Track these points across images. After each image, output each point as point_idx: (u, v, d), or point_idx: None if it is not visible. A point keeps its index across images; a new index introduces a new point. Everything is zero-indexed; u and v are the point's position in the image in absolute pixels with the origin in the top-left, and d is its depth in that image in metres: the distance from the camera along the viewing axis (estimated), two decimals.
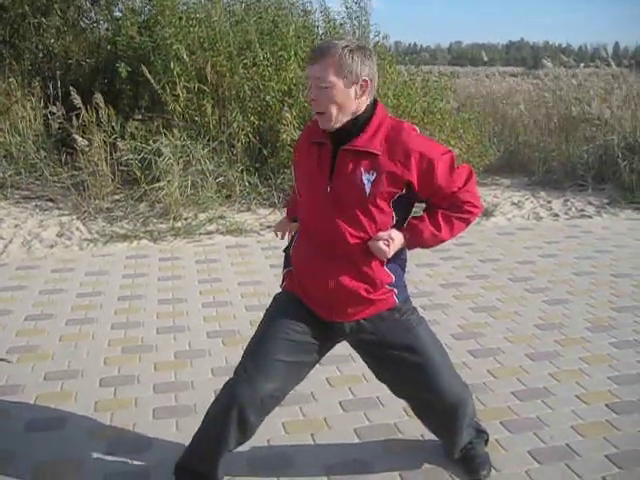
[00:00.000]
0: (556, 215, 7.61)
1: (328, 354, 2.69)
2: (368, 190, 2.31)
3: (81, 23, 9.39)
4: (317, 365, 2.67)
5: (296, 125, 7.35)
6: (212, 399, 3.36)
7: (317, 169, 2.40)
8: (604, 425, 3.23)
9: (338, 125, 2.33)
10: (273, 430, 3.11)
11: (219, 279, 5.29)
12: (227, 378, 3.54)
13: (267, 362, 2.47)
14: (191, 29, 8.19)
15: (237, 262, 5.73)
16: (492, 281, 5.28)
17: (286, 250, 2.68)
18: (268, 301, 4.68)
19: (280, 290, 2.70)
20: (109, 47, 8.96)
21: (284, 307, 2.61)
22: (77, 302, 4.80)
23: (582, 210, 7.75)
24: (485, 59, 20.03)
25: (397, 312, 2.53)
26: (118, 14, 9.21)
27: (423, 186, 2.35)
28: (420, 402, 2.73)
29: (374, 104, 2.40)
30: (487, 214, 7.38)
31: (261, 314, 4.45)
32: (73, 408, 3.34)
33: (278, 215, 7.02)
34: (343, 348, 2.79)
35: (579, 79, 11.98)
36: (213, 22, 8.16)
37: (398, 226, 2.43)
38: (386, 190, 2.31)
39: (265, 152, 7.76)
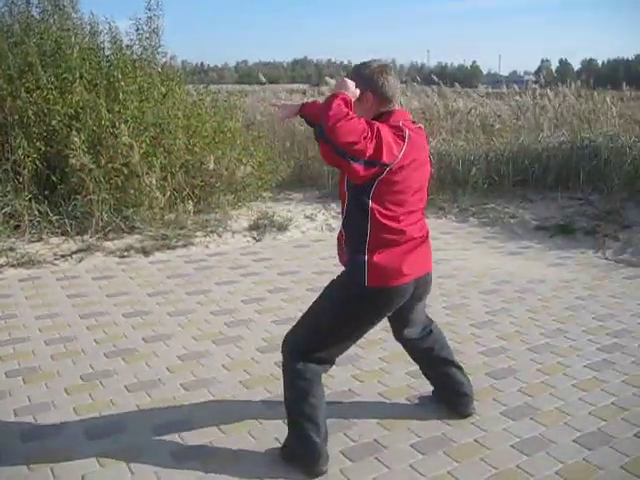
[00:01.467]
0: None
1: None
2: None
3: None
4: None
5: (84, 149, 7.11)
6: (17, 442, 3.23)
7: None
8: (406, 417, 3.47)
9: None
10: None
11: (14, 315, 5.00)
12: (32, 417, 3.45)
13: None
14: None
15: (32, 295, 5.46)
16: (292, 293, 5.46)
17: None
18: (69, 333, 4.58)
19: None
20: None
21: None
22: None
23: None
24: (264, 80, 20.49)
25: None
26: None
27: None
28: None
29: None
30: (282, 228, 7.60)
31: (62, 347, 4.36)
32: None
33: (72, 243, 6.79)
34: None
35: None
36: None
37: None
38: None
39: (54, 179, 7.46)
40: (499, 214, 8.25)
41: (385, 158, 2.66)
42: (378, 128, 2.65)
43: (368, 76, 2.87)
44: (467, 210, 8.50)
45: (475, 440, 3.25)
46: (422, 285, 3.11)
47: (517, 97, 12.82)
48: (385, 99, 2.88)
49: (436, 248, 6.89)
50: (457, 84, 14.93)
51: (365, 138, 2.58)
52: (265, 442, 3.23)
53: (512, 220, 8.05)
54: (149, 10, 8.48)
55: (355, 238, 2.92)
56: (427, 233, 3.10)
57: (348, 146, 2.57)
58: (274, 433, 3.27)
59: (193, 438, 3.27)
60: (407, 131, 2.80)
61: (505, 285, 5.71)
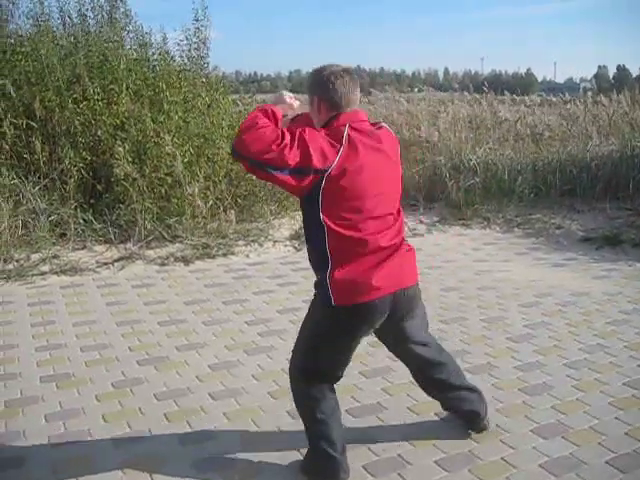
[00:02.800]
0: None
1: None
2: None
3: None
4: None
5: (129, 159, 7.24)
6: (46, 446, 3.28)
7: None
8: (433, 433, 3.40)
9: None
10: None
11: (53, 321, 5.10)
12: (61, 423, 3.50)
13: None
14: (17, 63, 7.91)
15: (72, 302, 5.56)
16: None
17: None
18: (104, 340, 4.64)
19: None
20: None
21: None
22: None
23: (414, 229, 8.12)
24: None
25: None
26: None
27: None
28: None
29: None
30: None
31: (96, 354, 4.43)
32: None
33: (114, 251, 6.90)
34: None
35: (406, 105, 12.60)
36: (40, 56, 7.92)
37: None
38: None
39: (99, 188, 7.61)
40: (545, 225, 8.09)
41: (316, 164, 2.57)
42: (301, 134, 2.58)
43: (317, 82, 2.80)
44: (512, 220, 8.36)
45: (502, 458, 3.16)
46: (402, 302, 2.89)
47: (568, 105, 12.60)
48: (334, 104, 2.76)
49: (478, 259, 6.90)
50: (507, 93, 14.71)
51: (279, 145, 2.53)
52: (288, 455, 3.20)
53: (558, 231, 7.88)
54: (196, 21, 8.61)
55: (315, 254, 2.83)
56: (401, 242, 2.88)
57: (259, 155, 2.55)
58: (297, 445, 3.24)
59: (216, 448, 3.27)
60: (347, 134, 2.67)
61: (546, 298, 5.58)
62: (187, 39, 8.76)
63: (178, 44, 8.77)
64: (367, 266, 2.73)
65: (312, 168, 2.58)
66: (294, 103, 2.88)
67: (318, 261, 2.81)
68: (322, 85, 2.78)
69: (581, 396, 3.79)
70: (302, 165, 2.56)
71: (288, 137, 2.57)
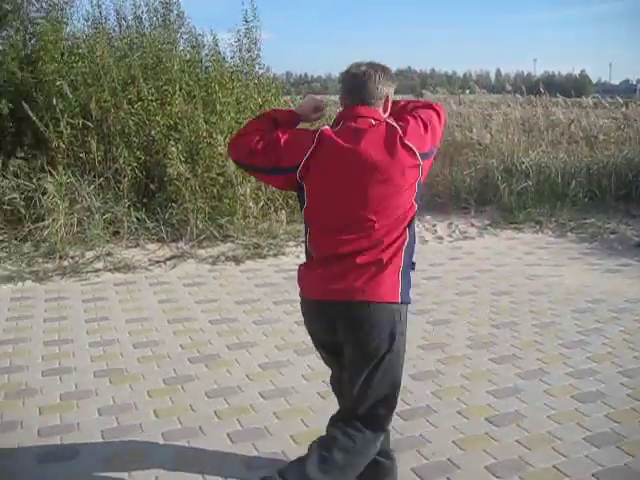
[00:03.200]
0: (440, 238, 7.89)
1: None
2: None
3: None
4: None
5: (182, 159, 7.35)
6: (99, 439, 3.36)
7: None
8: (483, 438, 3.38)
9: None
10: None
11: (106, 317, 5.20)
12: (114, 417, 3.57)
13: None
14: (74, 64, 8.09)
15: (125, 299, 5.66)
16: None
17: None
18: (156, 337, 4.71)
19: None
20: None
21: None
22: None
23: (465, 232, 8.07)
24: None
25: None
26: None
27: None
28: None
29: None
30: None
31: (148, 350, 4.50)
32: None
33: (167, 250, 7.00)
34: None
35: (459, 106, 12.49)
36: (96, 57, 8.08)
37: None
38: None
39: (152, 187, 7.73)
40: (599, 229, 7.95)
41: (284, 163, 2.52)
42: (276, 135, 2.54)
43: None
44: (565, 225, 8.23)
45: (554, 466, 3.12)
46: (336, 317, 2.55)
47: (624, 108, 12.35)
48: (342, 99, 2.65)
49: (530, 263, 6.81)
50: (559, 95, 14.46)
51: (256, 149, 2.54)
52: None
53: (612, 236, 7.74)
54: (246, 22, 8.68)
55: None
56: (373, 256, 2.48)
57: (245, 159, 2.61)
58: None
59: (266, 447, 3.29)
60: (321, 133, 2.50)
61: (600, 304, 5.48)
62: (238, 40, 8.86)
63: (230, 45, 8.88)
64: (311, 264, 2.66)
65: (281, 166, 2.53)
66: (320, 105, 2.76)
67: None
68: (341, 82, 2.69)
69: (637, 405, 3.72)
70: (275, 165, 2.54)
71: (262, 141, 2.55)
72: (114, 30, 9.21)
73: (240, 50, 8.89)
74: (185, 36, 9.19)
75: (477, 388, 3.93)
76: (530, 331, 4.88)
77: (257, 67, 8.97)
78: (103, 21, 9.00)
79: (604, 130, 11.08)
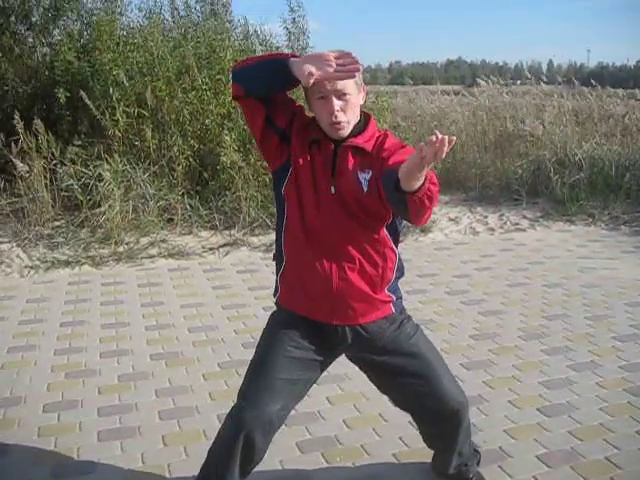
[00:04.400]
0: (492, 229, 7.85)
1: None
2: (365, 188, 2.33)
3: (16, 49, 9.31)
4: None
5: (235, 148, 7.44)
6: (156, 419, 3.46)
7: (320, 169, 2.39)
8: (535, 427, 3.39)
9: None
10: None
11: (162, 302, 5.32)
12: (170, 399, 3.67)
13: (270, 382, 2.41)
14: (130, 54, 8.24)
15: (179, 285, 5.78)
16: (429, 295, 5.43)
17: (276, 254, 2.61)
18: (210, 322, 4.79)
19: (275, 306, 2.66)
20: (47, 72, 8.92)
21: (282, 324, 2.54)
22: (19, 329, 4.79)
23: (517, 224, 8.01)
24: (410, 81, 19.84)
25: (396, 320, 2.53)
26: (56, 39, 9.19)
27: None
28: (424, 410, 2.69)
29: (366, 115, 2.49)
30: (425, 230, 7.57)
31: (203, 334, 4.60)
32: (16, 435, 3.34)
33: (220, 237, 7.11)
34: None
35: (511, 97, 12.35)
36: (151, 47, 8.22)
37: (394, 221, 2.45)
38: (380, 187, 2.30)
39: (205, 175, 7.85)
40: None
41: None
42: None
43: None
44: (619, 218, 8.12)
45: (606, 457, 3.11)
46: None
47: None
48: None
49: (582, 256, 6.74)
50: (609, 87, 14.20)
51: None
52: (388, 438, 3.27)
53: None
54: (292, 11, 8.76)
55: None
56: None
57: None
58: (399, 433, 3.30)
59: (318, 430, 3.36)
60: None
61: None
62: (287, 29, 8.94)
63: (279, 34, 8.98)
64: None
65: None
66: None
67: None
68: None
69: None
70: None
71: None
72: (167, 20, 9.37)
73: (289, 39, 8.97)
74: (232, 26, 9.32)
75: (529, 378, 3.94)
76: (582, 323, 4.84)
77: None
78: (157, 11, 9.17)
79: None
